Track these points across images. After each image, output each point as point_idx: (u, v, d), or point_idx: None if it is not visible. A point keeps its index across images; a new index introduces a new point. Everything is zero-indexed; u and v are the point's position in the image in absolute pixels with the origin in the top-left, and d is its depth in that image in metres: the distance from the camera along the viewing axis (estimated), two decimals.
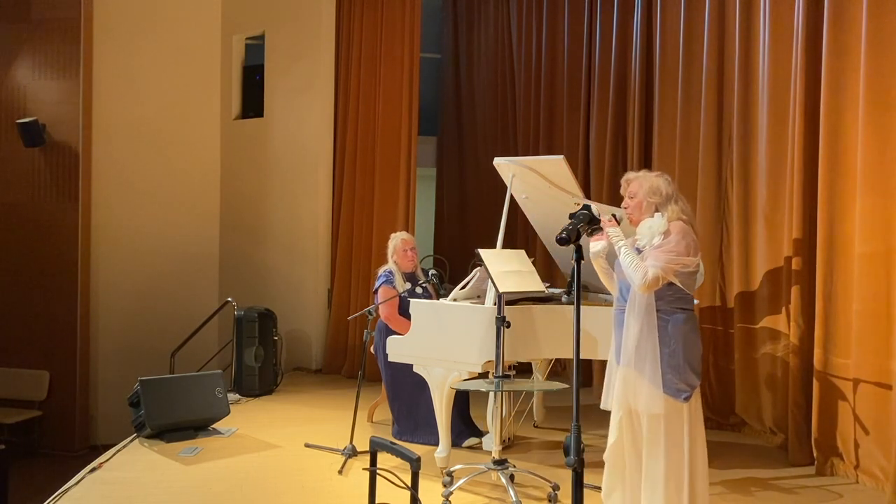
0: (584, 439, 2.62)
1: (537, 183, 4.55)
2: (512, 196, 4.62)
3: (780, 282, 5.01)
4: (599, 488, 4.09)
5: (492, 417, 4.81)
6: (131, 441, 5.11)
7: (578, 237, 2.85)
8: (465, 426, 5.14)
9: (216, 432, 5.30)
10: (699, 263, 3.36)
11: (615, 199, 6.16)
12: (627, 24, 6.47)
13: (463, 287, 4.64)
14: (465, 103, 8.85)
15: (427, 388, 4.44)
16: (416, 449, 4.12)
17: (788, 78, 4.93)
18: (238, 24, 8.45)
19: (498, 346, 4.01)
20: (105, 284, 7.94)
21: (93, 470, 4.52)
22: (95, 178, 7.85)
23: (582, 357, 2.81)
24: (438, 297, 5.22)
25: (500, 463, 4.11)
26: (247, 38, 8.54)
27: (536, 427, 5.58)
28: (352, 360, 7.39)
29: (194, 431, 5.20)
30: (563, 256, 4.98)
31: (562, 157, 4.49)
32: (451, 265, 8.64)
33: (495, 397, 4.45)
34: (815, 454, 4.58)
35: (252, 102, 8.34)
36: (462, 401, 5.09)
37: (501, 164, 4.65)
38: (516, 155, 6.58)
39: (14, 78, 7.78)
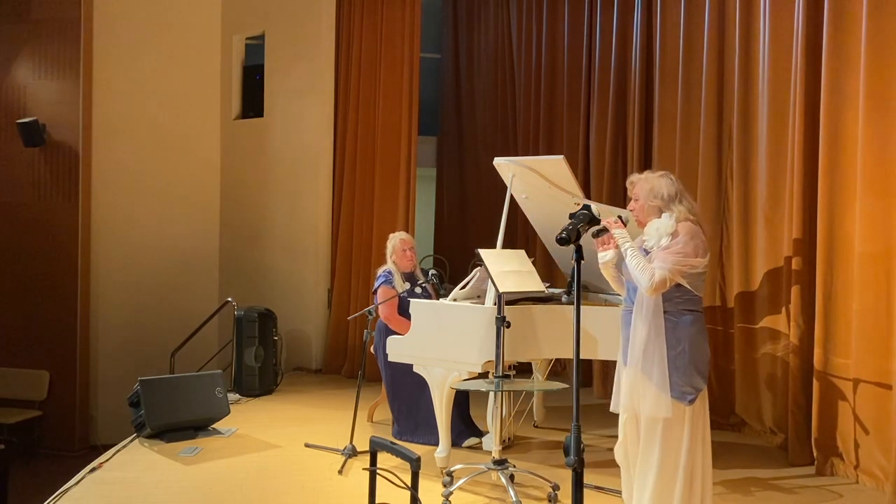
0: (584, 439, 2.61)
1: (537, 183, 4.55)
2: (512, 196, 4.62)
3: (780, 282, 5.01)
4: (600, 488, 4.12)
5: (492, 417, 4.81)
6: (131, 441, 5.11)
7: (578, 237, 2.84)
8: (466, 426, 5.14)
9: (216, 432, 5.30)
10: (707, 264, 3.32)
11: (615, 199, 6.21)
12: (627, 24, 6.47)
13: (463, 287, 4.63)
14: (465, 103, 8.85)
15: (427, 387, 4.44)
16: (416, 449, 4.11)
17: (788, 78, 4.92)
18: (238, 24, 8.44)
19: (498, 346, 4.01)
20: (105, 284, 7.94)
21: (93, 470, 4.51)
22: (95, 177, 7.85)
23: (582, 357, 2.81)
24: (438, 297, 5.22)
25: (500, 463, 4.11)
26: (247, 38, 8.53)
27: (536, 427, 5.57)
28: (352, 360, 7.39)
29: (194, 431, 5.20)
30: (563, 256, 4.98)
31: (562, 157, 4.48)
32: (451, 265, 8.63)
33: (495, 397, 4.44)
34: (815, 454, 4.58)
35: (252, 102, 8.33)
36: (462, 401, 5.09)
37: (501, 164, 4.65)
38: (516, 155, 6.57)
39: (14, 78, 7.78)
